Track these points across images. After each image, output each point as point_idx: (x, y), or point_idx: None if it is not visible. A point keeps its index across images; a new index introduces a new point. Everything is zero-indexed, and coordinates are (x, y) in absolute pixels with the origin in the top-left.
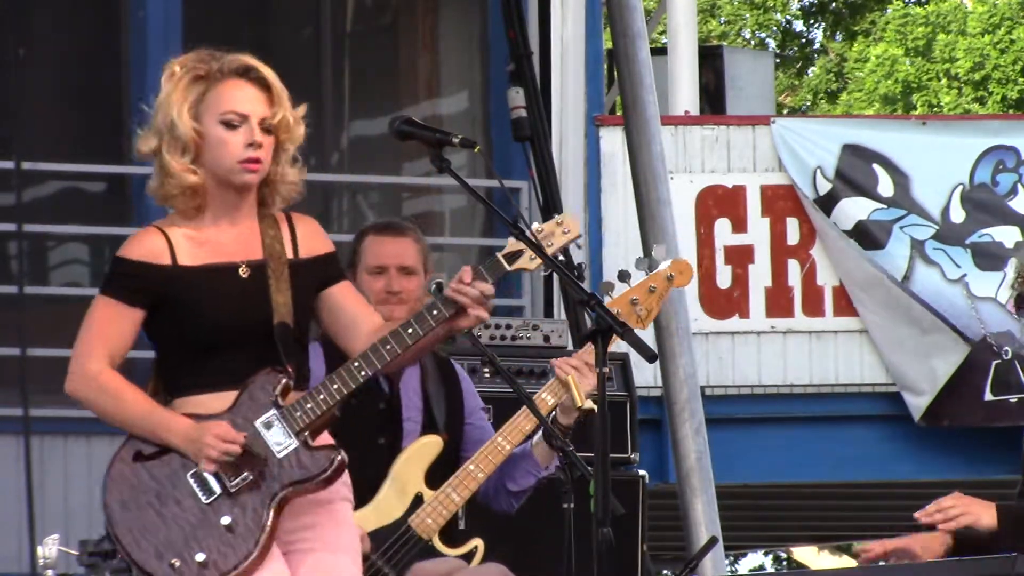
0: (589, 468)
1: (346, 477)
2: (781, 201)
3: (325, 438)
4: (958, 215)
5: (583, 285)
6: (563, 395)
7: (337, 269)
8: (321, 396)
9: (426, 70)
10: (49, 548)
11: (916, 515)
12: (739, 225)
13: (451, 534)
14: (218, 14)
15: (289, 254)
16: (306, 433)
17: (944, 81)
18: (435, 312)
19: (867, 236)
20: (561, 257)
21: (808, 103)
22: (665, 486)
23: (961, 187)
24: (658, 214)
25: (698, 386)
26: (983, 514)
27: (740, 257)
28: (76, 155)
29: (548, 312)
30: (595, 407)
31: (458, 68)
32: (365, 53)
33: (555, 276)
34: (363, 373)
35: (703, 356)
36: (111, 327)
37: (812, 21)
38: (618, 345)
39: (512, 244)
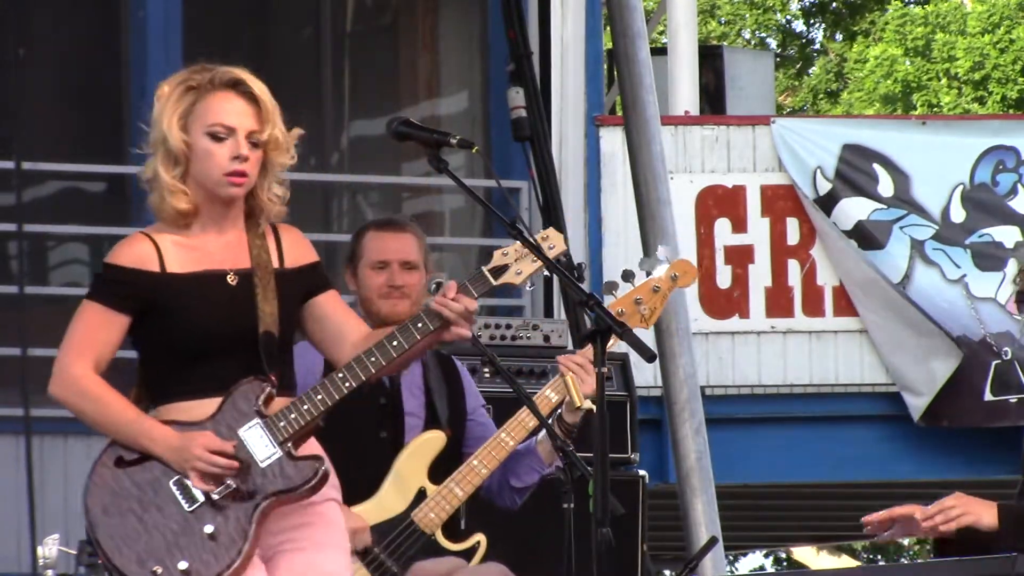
0: (589, 468)
1: (334, 478)
2: (781, 201)
3: (309, 447)
4: (958, 215)
5: (583, 285)
6: (567, 392)
7: (323, 279)
8: (305, 406)
9: (426, 70)
10: (49, 548)
11: (917, 516)
12: (739, 225)
13: (453, 529)
14: (218, 14)
15: (275, 264)
16: (289, 443)
17: (944, 81)
18: (420, 325)
19: (867, 236)
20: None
21: (808, 103)
22: (665, 486)
23: (961, 187)
24: (658, 214)
25: (698, 386)
26: (984, 514)
27: (740, 257)
28: (76, 155)
29: (548, 312)
30: (594, 407)
31: (458, 68)
32: (365, 53)
33: (555, 276)
34: (347, 384)
35: (703, 356)
36: (98, 332)
37: (812, 21)
38: (618, 345)
39: (497, 258)
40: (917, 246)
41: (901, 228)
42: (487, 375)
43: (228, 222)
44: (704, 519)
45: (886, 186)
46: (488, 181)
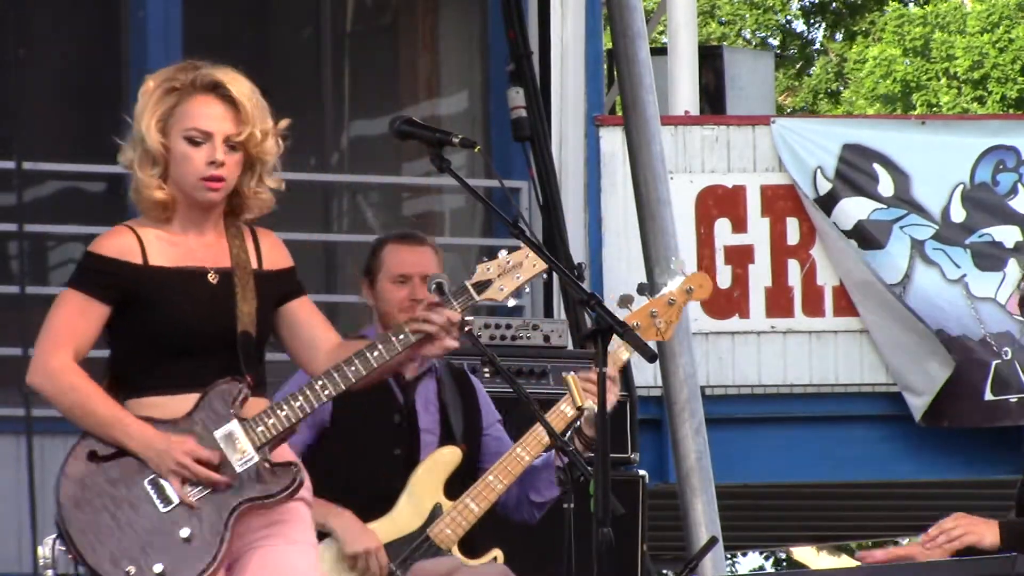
0: (589, 468)
1: (307, 482)
2: (781, 201)
3: (283, 453)
4: (958, 215)
5: (583, 285)
6: (568, 392)
7: (297, 284)
8: (283, 412)
9: (426, 70)
10: (49, 548)
11: (920, 541)
12: (739, 225)
13: (470, 544)
14: (218, 14)
15: (254, 265)
16: (266, 448)
17: (943, 80)
18: (401, 337)
19: (867, 236)
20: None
21: (808, 103)
22: (665, 486)
23: (962, 187)
24: (658, 214)
25: (698, 386)
26: (986, 533)
27: (740, 257)
28: (76, 155)
29: (548, 312)
30: (594, 407)
31: (458, 68)
32: (365, 53)
33: (555, 276)
34: (327, 392)
35: (703, 356)
36: (78, 321)
37: (812, 21)
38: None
39: (481, 273)
40: (917, 246)
41: (901, 228)
42: (487, 375)
43: (207, 224)
44: (704, 519)
45: (886, 186)
46: (488, 181)
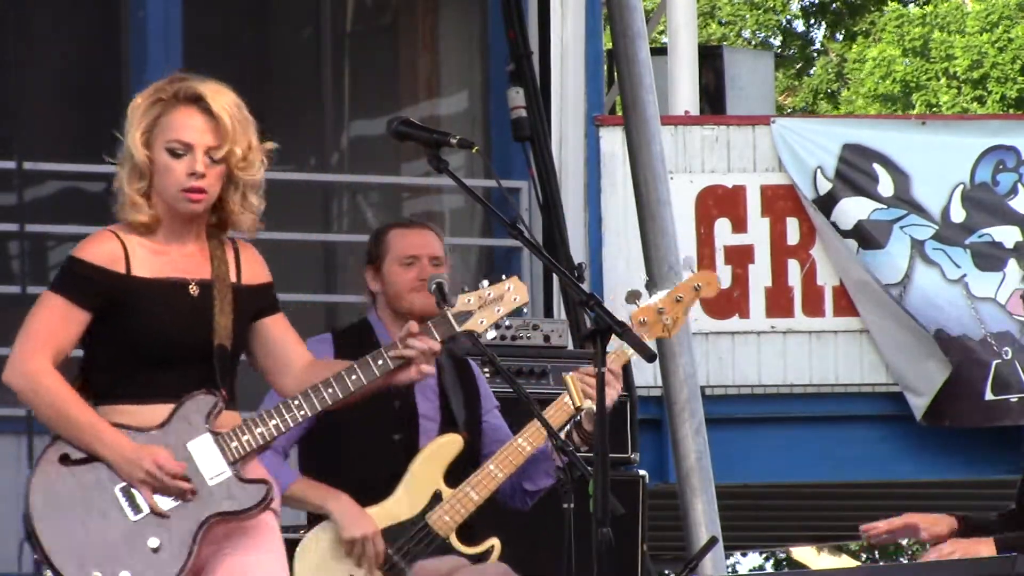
0: (589, 468)
1: (278, 496)
2: (781, 201)
3: (255, 469)
4: (958, 215)
5: (583, 285)
6: (568, 392)
7: (273, 300)
8: (259, 429)
9: (426, 70)
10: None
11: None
12: (739, 225)
13: (468, 532)
14: (218, 14)
15: (232, 278)
16: (239, 464)
17: (943, 80)
18: (380, 362)
19: (867, 236)
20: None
21: (808, 103)
22: (665, 486)
23: (962, 187)
24: (658, 214)
25: (698, 386)
26: (983, 552)
27: (740, 257)
28: (76, 155)
29: (548, 312)
30: (594, 407)
31: (458, 68)
32: (365, 53)
33: (555, 276)
34: (302, 413)
35: (703, 356)
36: (59, 325)
37: (812, 21)
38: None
39: (461, 304)
40: (917, 246)
41: (901, 228)
42: (487, 375)
43: (190, 235)
44: (704, 519)
45: (886, 186)
46: (488, 181)
